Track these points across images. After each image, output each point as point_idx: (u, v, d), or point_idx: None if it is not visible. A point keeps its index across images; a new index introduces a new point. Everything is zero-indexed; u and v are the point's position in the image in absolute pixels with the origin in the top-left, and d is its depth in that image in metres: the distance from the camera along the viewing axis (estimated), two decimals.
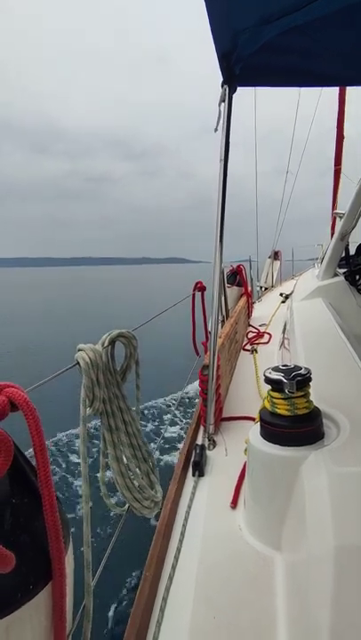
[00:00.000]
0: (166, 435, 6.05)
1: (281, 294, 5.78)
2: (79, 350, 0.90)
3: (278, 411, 1.17)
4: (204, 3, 1.34)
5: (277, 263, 8.70)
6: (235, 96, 1.86)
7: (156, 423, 7.12)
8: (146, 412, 7.42)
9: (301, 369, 1.20)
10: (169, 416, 7.14)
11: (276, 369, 1.22)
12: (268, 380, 1.20)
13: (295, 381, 1.14)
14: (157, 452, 5.30)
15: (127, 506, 1.15)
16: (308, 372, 1.19)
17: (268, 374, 1.21)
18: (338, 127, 7.63)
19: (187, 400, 7.43)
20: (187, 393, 7.34)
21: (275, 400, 1.19)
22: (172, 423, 6.62)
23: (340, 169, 7.76)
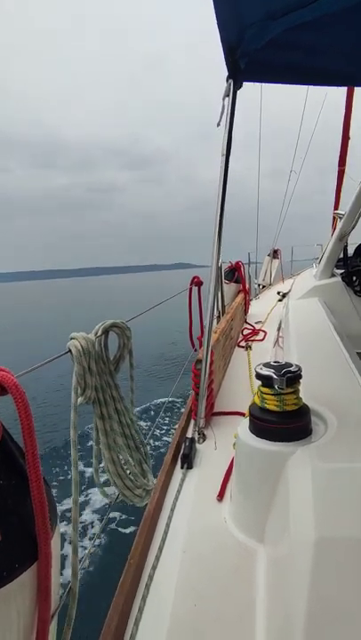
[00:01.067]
0: (158, 428, 6.08)
1: (278, 292, 5.80)
2: (72, 339, 0.91)
3: (268, 406, 1.19)
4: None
5: (276, 261, 8.71)
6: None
7: (150, 415, 7.16)
8: (140, 407, 7.45)
9: (292, 366, 1.21)
10: (162, 409, 7.18)
11: (267, 365, 1.23)
12: (258, 376, 1.21)
13: (285, 378, 1.16)
14: (151, 443, 5.34)
15: (118, 493, 1.16)
16: (299, 369, 1.21)
17: (258, 370, 1.22)
18: (343, 128, 7.60)
19: (179, 394, 7.46)
20: (180, 387, 7.36)
21: (264, 396, 1.20)
22: (163, 418, 6.66)
23: (344, 170, 7.74)
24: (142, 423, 6.62)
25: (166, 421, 6.49)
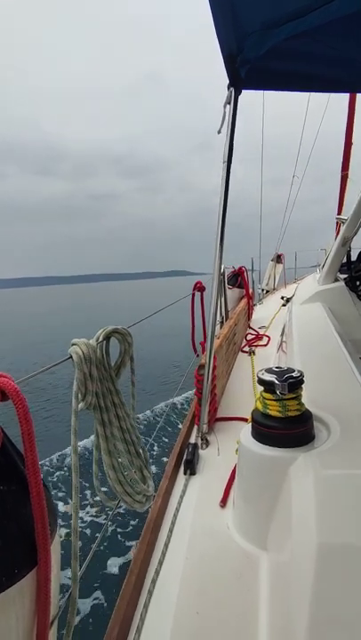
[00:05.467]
0: (161, 432, 6.07)
1: (282, 297, 5.79)
2: (73, 344, 0.92)
3: (270, 412, 1.19)
4: (208, 5, 1.36)
5: (280, 266, 8.72)
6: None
7: (152, 420, 7.14)
8: (142, 414, 7.43)
9: (294, 371, 1.21)
10: (163, 414, 7.16)
11: (269, 370, 1.23)
12: (260, 381, 1.21)
13: (287, 383, 1.15)
14: (154, 449, 5.33)
15: (118, 499, 1.16)
16: (301, 374, 1.20)
17: (260, 375, 1.22)
18: (346, 133, 7.63)
19: (182, 399, 7.44)
20: (182, 392, 7.36)
21: (267, 401, 1.20)
22: (167, 422, 6.63)
23: (348, 174, 7.76)
24: (143, 428, 6.58)
25: (169, 427, 6.46)
